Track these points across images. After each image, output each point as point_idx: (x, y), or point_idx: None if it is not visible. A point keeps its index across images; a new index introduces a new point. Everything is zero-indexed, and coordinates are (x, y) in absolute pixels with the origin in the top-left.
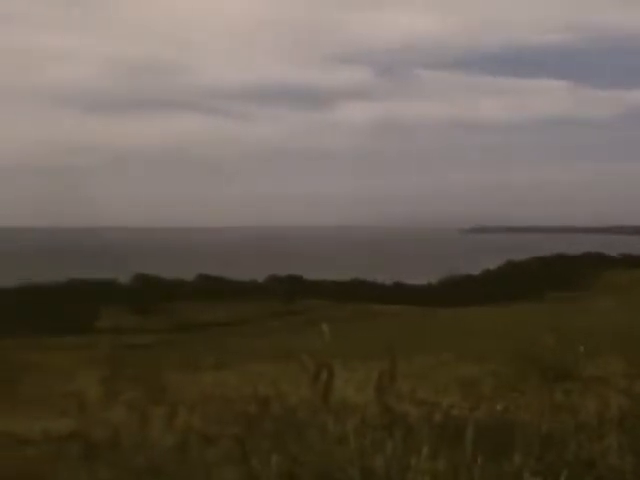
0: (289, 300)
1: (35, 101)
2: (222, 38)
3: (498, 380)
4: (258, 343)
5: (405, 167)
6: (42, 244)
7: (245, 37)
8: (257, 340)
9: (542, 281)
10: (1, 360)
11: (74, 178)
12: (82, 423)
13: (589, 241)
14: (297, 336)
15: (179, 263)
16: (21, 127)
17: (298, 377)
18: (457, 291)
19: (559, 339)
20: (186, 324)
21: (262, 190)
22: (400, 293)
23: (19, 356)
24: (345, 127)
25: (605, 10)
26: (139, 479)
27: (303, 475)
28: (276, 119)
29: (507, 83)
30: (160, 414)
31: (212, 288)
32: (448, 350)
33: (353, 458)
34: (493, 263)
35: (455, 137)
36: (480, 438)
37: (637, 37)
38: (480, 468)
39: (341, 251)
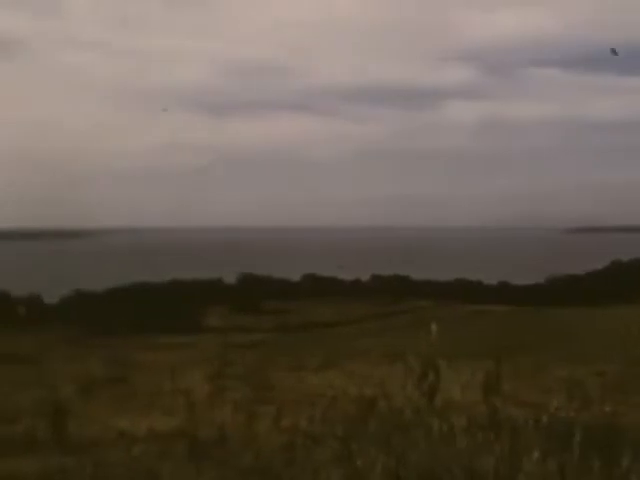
0: (395, 300)
1: (148, 102)
2: (332, 39)
3: (605, 382)
4: (364, 343)
5: (512, 167)
6: (148, 243)
7: (355, 38)
8: (363, 340)
9: None
10: (110, 359)
11: (185, 179)
12: (189, 421)
13: None
14: (403, 336)
15: (286, 263)
16: (134, 128)
17: (404, 377)
18: (562, 291)
19: None
20: (292, 324)
21: (371, 190)
22: (505, 293)
23: (128, 355)
24: (454, 126)
25: None
26: (245, 479)
27: (408, 475)
28: (386, 119)
29: (618, 81)
30: (267, 414)
31: (318, 288)
32: (553, 351)
33: (459, 458)
34: (597, 263)
35: (565, 137)
36: (588, 440)
37: None
38: (588, 471)
39: (445, 250)
